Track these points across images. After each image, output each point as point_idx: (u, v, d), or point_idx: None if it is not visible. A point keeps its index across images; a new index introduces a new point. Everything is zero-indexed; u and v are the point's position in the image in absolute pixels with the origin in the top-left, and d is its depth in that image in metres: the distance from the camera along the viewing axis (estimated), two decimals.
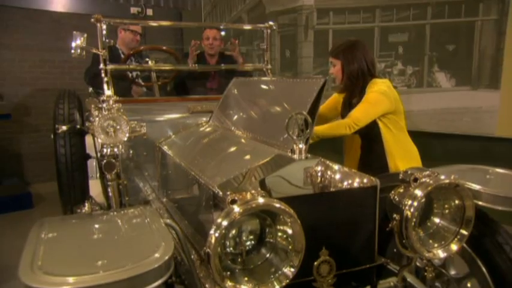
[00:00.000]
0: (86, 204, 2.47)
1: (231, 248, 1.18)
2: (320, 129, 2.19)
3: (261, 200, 1.09)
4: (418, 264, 1.75)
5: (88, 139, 2.94)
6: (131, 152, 2.65)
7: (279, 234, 1.15)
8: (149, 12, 6.22)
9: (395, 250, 1.50)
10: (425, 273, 1.68)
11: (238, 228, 1.17)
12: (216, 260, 1.06)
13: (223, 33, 3.73)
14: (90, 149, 3.03)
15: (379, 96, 2.26)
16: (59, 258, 1.02)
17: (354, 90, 2.41)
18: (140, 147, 2.64)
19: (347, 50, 2.39)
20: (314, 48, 4.65)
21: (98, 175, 3.06)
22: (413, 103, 3.82)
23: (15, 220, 4.26)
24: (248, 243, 1.20)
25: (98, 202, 2.81)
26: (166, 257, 1.02)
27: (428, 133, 3.63)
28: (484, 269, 1.58)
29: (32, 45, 5.54)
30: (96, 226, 1.27)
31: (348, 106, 2.47)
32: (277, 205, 1.10)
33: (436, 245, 1.40)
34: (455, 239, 1.38)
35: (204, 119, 2.58)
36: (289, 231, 1.12)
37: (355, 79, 2.37)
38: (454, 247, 1.38)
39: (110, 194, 2.23)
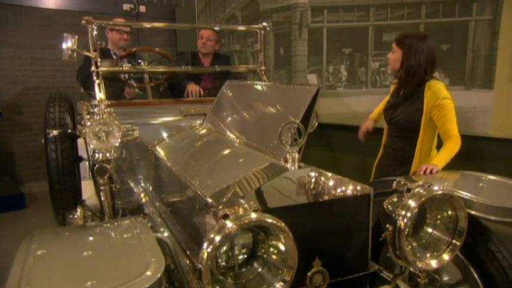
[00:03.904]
0: (78, 210, 2.47)
1: (223, 262, 1.17)
2: (441, 163, 2.19)
3: (253, 215, 1.08)
4: (411, 269, 1.76)
5: (80, 141, 2.91)
6: (124, 154, 2.63)
7: (271, 249, 1.14)
8: (142, 9, 6.15)
9: (388, 255, 1.50)
10: (419, 279, 1.68)
11: (230, 242, 1.16)
12: (208, 275, 1.05)
13: (217, 28, 3.70)
14: (82, 151, 3.00)
15: (452, 102, 2.29)
16: (48, 279, 1.01)
17: (408, 85, 2.38)
18: (133, 150, 2.63)
19: (413, 42, 2.33)
20: (308, 47, 4.63)
21: (91, 175, 3.04)
22: None
23: (8, 221, 4.22)
24: (240, 257, 1.19)
25: (91, 205, 2.81)
26: (158, 275, 1.01)
27: None
28: (476, 276, 1.59)
29: (23, 43, 5.46)
30: (86, 241, 1.26)
31: (394, 96, 2.52)
32: (270, 220, 1.09)
33: (428, 255, 1.41)
34: (448, 249, 1.39)
35: (198, 121, 2.57)
36: (282, 247, 1.11)
37: (412, 75, 2.34)
38: (446, 257, 1.39)
39: (103, 198, 2.22)
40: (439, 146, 2.43)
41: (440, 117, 2.28)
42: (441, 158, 2.21)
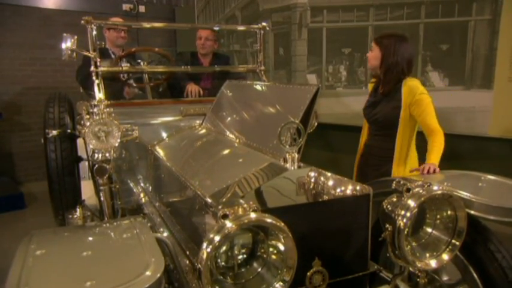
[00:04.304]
0: (78, 210, 2.47)
1: (223, 262, 1.17)
2: (437, 161, 2.20)
3: (253, 215, 1.08)
4: (411, 269, 1.76)
5: (80, 141, 2.91)
6: (124, 154, 2.63)
7: (271, 249, 1.14)
8: (142, 9, 6.14)
9: (388, 255, 1.51)
10: (418, 279, 1.68)
11: (230, 242, 1.16)
12: (207, 275, 1.05)
13: (216, 28, 3.70)
14: (82, 151, 3.00)
15: (428, 97, 2.34)
16: (47, 279, 1.00)
17: (387, 83, 2.43)
18: (133, 150, 2.62)
19: (391, 42, 2.40)
20: (308, 47, 4.63)
21: (90, 175, 3.04)
22: None
23: (8, 221, 4.21)
24: (240, 257, 1.19)
25: (91, 205, 2.81)
26: (158, 275, 1.01)
27: (422, 133, 3.64)
28: (475, 276, 1.59)
29: (23, 43, 5.46)
30: (86, 241, 1.26)
31: (373, 95, 2.57)
32: (269, 220, 1.09)
33: (428, 254, 1.41)
34: (447, 249, 1.39)
35: (198, 121, 2.57)
36: (282, 247, 1.11)
37: (391, 72, 2.40)
38: (445, 257, 1.39)
39: (102, 198, 2.21)
40: (420, 147, 2.45)
41: (420, 112, 2.33)
42: (435, 155, 2.23)
